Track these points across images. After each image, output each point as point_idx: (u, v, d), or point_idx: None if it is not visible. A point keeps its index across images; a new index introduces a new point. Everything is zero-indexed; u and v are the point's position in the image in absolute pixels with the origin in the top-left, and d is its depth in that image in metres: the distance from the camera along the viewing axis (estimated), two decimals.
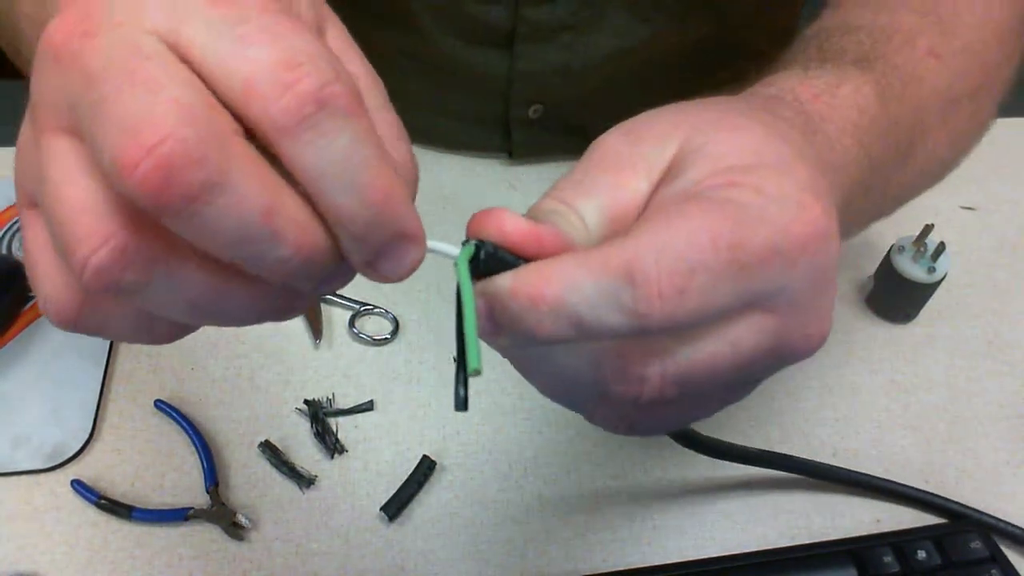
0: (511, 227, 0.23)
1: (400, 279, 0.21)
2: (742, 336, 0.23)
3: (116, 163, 0.17)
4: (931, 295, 0.56)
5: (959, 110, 0.40)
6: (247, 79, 0.18)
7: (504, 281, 0.22)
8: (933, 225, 0.54)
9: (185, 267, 0.19)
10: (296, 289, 0.21)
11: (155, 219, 0.18)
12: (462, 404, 0.23)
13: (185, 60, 0.19)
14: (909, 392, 0.54)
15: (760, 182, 0.23)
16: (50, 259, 0.20)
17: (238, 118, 0.19)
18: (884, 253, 0.56)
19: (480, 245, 0.23)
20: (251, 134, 0.19)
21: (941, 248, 0.54)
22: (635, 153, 0.25)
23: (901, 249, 0.55)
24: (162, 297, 0.20)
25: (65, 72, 0.19)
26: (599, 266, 0.21)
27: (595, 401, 0.26)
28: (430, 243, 0.22)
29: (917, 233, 0.54)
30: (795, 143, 0.26)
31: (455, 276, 0.23)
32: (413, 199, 0.21)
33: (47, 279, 0.21)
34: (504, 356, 0.26)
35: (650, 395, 0.23)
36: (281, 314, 0.22)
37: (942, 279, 0.54)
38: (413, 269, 0.21)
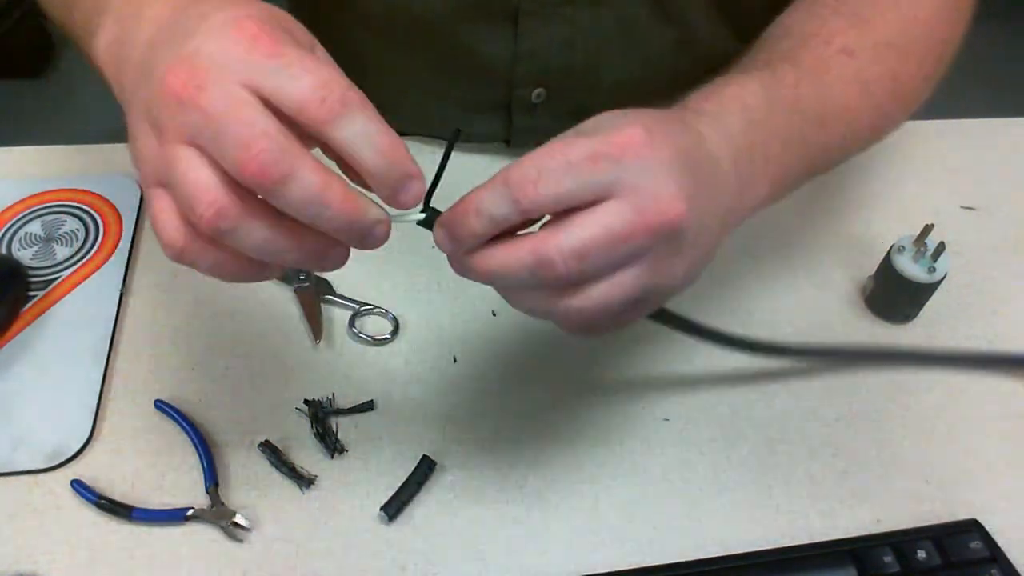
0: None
1: (411, 206, 0.33)
2: (619, 271, 0.34)
3: (237, 165, 0.30)
4: (931, 295, 0.56)
5: (879, 89, 0.48)
6: (300, 98, 0.30)
7: (446, 215, 0.36)
8: (933, 225, 0.54)
9: (260, 220, 0.32)
10: (333, 239, 0.33)
11: (253, 193, 0.31)
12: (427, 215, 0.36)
13: (261, 96, 0.30)
14: (909, 392, 0.55)
15: (601, 117, 0.35)
16: (172, 216, 0.32)
17: (300, 126, 0.31)
18: (884, 253, 0.56)
19: (431, 212, 0.36)
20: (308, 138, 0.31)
21: (941, 248, 0.54)
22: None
23: (901, 249, 0.55)
24: (243, 239, 0.32)
25: (187, 110, 0.30)
26: (494, 185, 0.34)
27: (553, 320, 0.37)
28: (401, 213, 0.35)
29: (917, 233, 0.54)
30: (663, 117, 0.37)
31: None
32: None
33: (168, 228, 0.33)
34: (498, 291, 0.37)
35: (577, 321, 0.36)
36: (319, 260, 0.34)
37: (942, 279, 0.54)
38: (419, 198, 0.33)
